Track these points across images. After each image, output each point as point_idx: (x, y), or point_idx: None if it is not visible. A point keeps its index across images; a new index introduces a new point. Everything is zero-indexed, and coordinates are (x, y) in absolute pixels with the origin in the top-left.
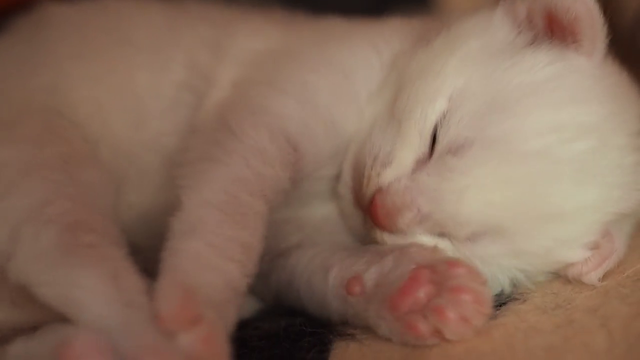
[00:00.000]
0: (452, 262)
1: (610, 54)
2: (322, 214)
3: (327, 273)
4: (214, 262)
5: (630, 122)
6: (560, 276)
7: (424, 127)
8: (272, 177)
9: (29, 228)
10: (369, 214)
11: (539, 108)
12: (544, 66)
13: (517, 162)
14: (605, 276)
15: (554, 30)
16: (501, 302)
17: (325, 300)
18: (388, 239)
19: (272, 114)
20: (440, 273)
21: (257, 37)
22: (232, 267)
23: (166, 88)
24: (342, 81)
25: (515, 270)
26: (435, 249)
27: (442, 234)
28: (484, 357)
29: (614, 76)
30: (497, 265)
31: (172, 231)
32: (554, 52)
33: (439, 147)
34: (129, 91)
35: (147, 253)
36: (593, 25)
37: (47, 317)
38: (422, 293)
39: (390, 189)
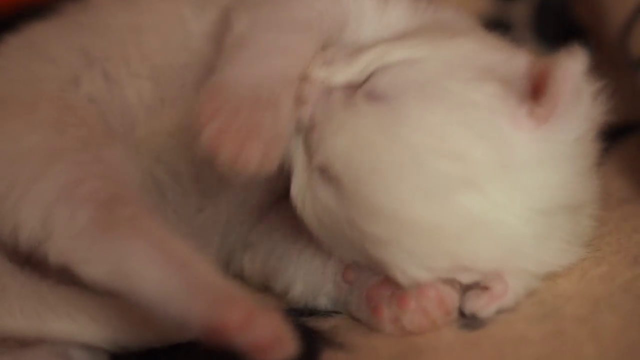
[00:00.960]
0: None
1: (597, 64)
2: None
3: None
4: (260, 58)
5: (525, 194)
6: (547, 285)
7: (371, 63)
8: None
9: (63, 209)
10: None
11: (447, 114)
12: (486, 94)
13: (390, 138)
14: (594, 285)
15: (535, 90)
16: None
17: (321, 280)
18: None
19: None
20: None
21: None
22: (280, 61)
23: (209, 11)
24: None
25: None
26: None
27: (308, 150)
28: None
29: (554, 157)
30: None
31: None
32: (509, 94)
33: (365, 85)
34: (173, 22)
35: (186, 184)
36: (562, 94)
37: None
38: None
39: (310, 83)
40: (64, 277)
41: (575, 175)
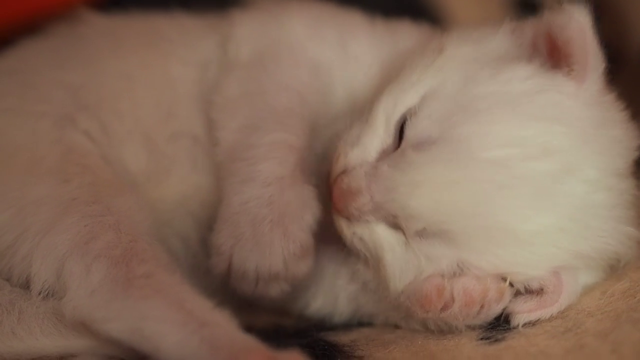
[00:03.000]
0: None
1: (616, 80)
2: None
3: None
4: (253, 169)
5: (606, 158)
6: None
7: (390, 117)
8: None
9: (77, 265)
10: (330, 194)
11: (507, 119)
12: (523, 79)
13: (471, 167)
14: (616, 300)
15: (555, 56)
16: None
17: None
18: (346, 227)
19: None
20: None
21: None
22: (271, 164)
23: (193, 69)
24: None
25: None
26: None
27: (395, 226)
28: None
29: (604, 110)
30: (440, 267)
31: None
32: (539, 69)
33: (404, 140)
34: (163, 81)
35: (195, 247)
36: (585, 49)
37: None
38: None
39: (352, 173)
40: None
41: (624, 121)
